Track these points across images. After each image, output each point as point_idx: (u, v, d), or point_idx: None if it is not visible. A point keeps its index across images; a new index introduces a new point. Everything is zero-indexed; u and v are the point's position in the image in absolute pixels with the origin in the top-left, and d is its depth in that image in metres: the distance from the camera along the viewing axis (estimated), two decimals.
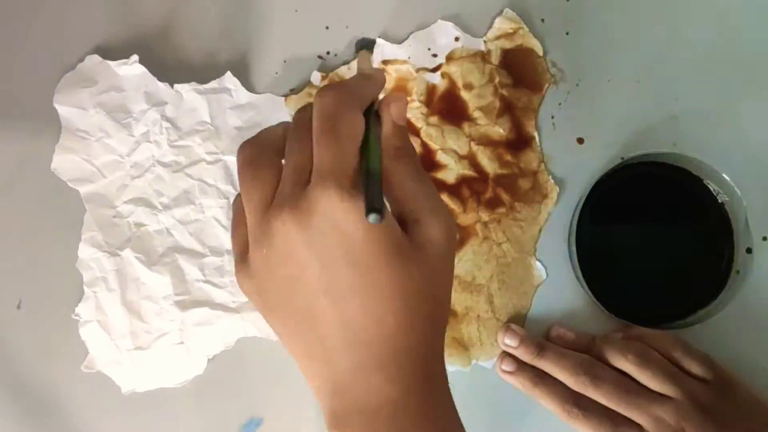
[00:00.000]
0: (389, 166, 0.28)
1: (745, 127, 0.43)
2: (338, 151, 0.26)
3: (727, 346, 0.41)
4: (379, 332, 0.27)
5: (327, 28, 0.45)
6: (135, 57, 0.44)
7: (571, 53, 0.44)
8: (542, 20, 0.44)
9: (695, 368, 0.39)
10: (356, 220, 0.25)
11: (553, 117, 0.44)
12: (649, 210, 0.43)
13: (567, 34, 0.44)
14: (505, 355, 0.41)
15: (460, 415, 0.41)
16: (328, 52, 0.45)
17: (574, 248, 0.41)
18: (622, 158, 0.41)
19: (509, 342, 0.41)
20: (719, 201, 0.42)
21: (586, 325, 0.42)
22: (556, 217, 0.43)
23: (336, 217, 0.25)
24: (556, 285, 0.43)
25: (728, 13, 0.44)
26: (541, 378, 0.40)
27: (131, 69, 0.44)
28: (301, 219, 0.26)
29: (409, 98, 0.43)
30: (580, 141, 0.43)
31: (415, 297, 0.27)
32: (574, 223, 0.41)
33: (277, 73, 0.44)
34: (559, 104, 0.44)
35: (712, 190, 0.42)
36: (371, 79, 0.30)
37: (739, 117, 0.43)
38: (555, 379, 0.40)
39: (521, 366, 0.41)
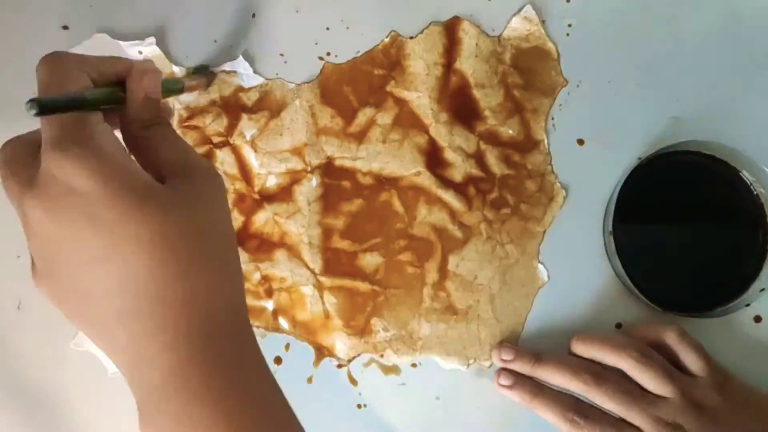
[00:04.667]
0: (139, 135, 0.28)
1: (746, 125, 0.43)
2: (58, 116, 0.25)
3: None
4: (147, 289, 0.24)
5: (327, 29, 0.45)
6: (152, 39, 0.44)
7: (571, 54, 0.44)
8: (543, 21, 0.44)
9: (691, 361, 0.39)
10: (89, 176, 0.24)
11: (553, 118, 0.44)
12: (683, 200, 0.43)
13: (567, 35, 0.44)
14: (502, 370, 0.41)
15: (458, 414, 0.41)
16: (328, 53, 0.44)
17: (611, 237, 0.40)
18: (644, 158, 0.41)
19: (505, 356, 0.41)
20: (754, 192, 0.42)
21: (587, 327, 0.42)
22: (559, 219, 0.43)
23: (68, 179, 0.24)
24: (557, 288, 0.43)
25: (729, 12, 0.44)
26: (539, 389, 0.40)
27: (146, 50, 0.44)
28: (40, 195, 0.24)
29: (419, 94, 0.43)
30: (581, 142, 0.43)
31: (181, 239, 0.25)
32: (610, 211, 0.41)
33: (277, 73, 0.44)
34: (560, 105, 0.43)
35: (746, 180, 0.41)
36: (110, 58, 0.30)
37: (740, 116, 0.43)
38: (553, 390, 0.40)
39: (519, 379, 0.40)
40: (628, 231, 0.41)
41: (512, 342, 0.42)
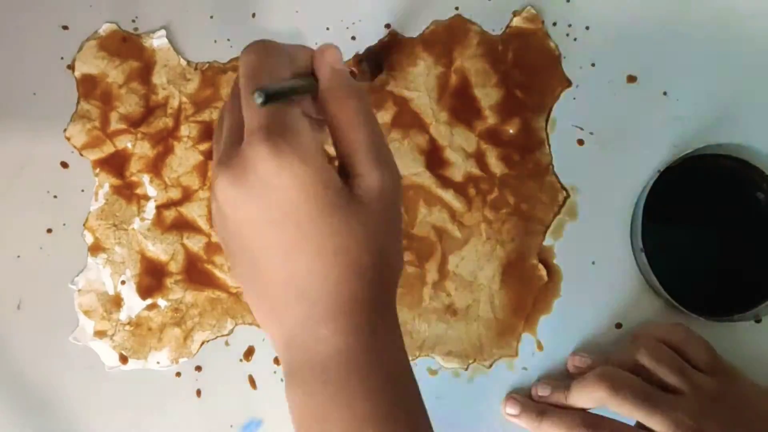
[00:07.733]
0: (333, 112, 0.28)
1: (746, 125, 0.43)
2: (265, 107, 0.26)
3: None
4: (323, 287, 0.27)
5: (327, 29, 0.45)
6: (162, 31, 0.44)
7: (571, 54, 0.44)
8: (542, 21, 0.44)
9: (700, 357, 0.39)
10: (289, 177, 0.26)
11: (553, 118, 0.43)
12: (707, 204, 0.42)
13: (567, 35, 0.44)
14: (510, 398, 0.41)
15: (458, 415, 0.41)
16: None
17: (642, 254, 0.40)
18: (664, 167, 0.40)
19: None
20: None
21: (587, 327, 0.42)
22: (559, 220, 0.43)
23: (268, 174, 0.26)
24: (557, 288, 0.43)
25: (729, 11, 0.43)
26: (545, 410, 0.40)
27: (156, 42, 0.44)
28: (236, 178, 0.26)
29: (419, 93, 0.43)
30: (580, 142, 0.43)
31: (358, 250, 0.27)
32: (637, 226, 0.41)
33: None
34: (560, 105, 0.43)
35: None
36: (299, 46, 0.30)
37: (740, 116, 0.43)
38: (560, 409, 0.40)
39: (525, 406, 0.41)
40: (653, 241, 0.41)
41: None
